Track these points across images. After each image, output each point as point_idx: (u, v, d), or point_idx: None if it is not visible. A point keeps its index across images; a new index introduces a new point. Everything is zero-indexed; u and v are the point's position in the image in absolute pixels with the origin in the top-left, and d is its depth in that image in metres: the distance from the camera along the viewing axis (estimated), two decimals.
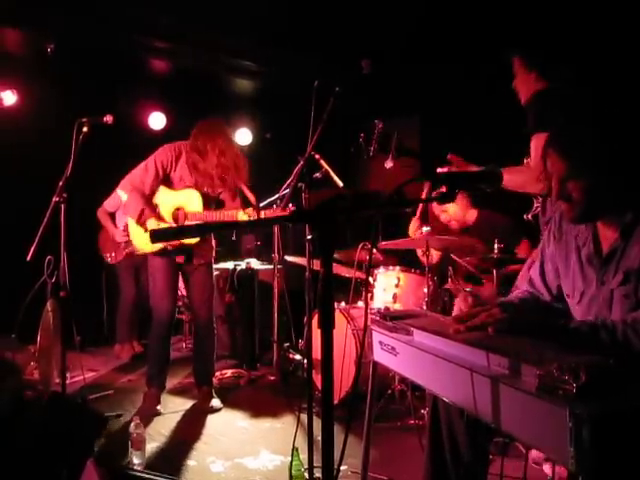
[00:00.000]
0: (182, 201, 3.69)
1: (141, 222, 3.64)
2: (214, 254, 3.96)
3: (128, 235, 4.01)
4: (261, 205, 4.45)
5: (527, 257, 3.05)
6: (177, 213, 3.71)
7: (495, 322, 1.56)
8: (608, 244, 1.66)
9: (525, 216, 2.84)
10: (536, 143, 2.41)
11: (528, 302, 1.96)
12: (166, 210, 3.71)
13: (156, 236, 1.12)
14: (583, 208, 1.63)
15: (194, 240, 3.65)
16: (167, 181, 3.73)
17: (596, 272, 1.69)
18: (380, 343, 1.95)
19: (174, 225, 3.68)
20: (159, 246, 3.65)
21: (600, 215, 1.68)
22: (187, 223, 3.66)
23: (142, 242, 3.76)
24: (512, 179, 2.41)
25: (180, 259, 3.77)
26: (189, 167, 3.67)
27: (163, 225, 3.60)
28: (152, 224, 3.60)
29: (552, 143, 1.64)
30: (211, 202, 3.76)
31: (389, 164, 2.57)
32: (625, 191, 1.59)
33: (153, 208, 3.67)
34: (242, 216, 3.54)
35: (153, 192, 3.69)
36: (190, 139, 3.70)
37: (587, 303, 1.72)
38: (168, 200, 3.71)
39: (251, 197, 3.73)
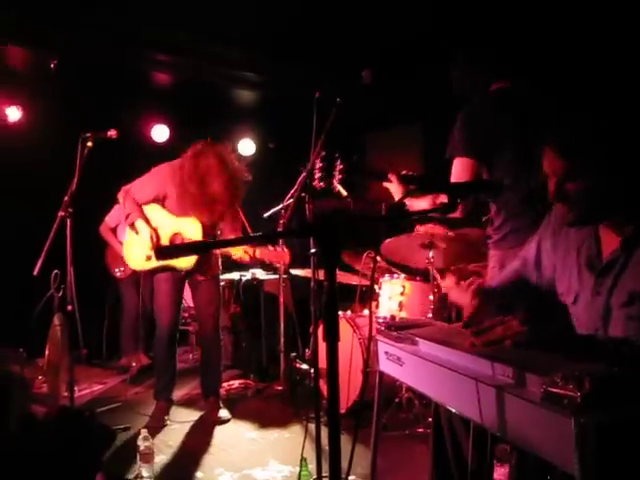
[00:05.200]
0: (181, 227, 3.70)
1: (129, 224, 3.70)
2: (220, 267, 3.97)
3: None
4: (265, 215, 4.48)
5: None
6: (174, 237, 3.72)
7: (513, 335, 1.51)
8: (609, 251, 1.61)
9: (483, 218, 2.83)
10: (460, 168, 2.43)
11: (517, 286, 1.93)
12: (164, 233, 3.72)
13: (160, 253, 1.13)
14: (582, 210, 1.57)
15: (187, 264, 3.66)
16: (166, 200, 3.73)
17: (593, 279, 1.64)
18: (386, 353, 1.96)
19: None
20: (147, 265, 3.69)
21: (602, 218, 1.62)
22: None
23: (131, 258, 3.83)
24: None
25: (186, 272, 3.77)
26: (182, 190, 3.63)
27: (147, 229, 3.63)
28: (140, 226, 3.65)
29: (550, 141, 1.57)
30: (210, 234, 3.75)
31: (337, 189, 2.60)
32: (629, 194, 1.54)
33: (142, 212, 3.69)
34: (238, 252, 3.57)
35: (147, 202, 3.72)
36: (183, 162, 3.63)
37: (583, 308, 1.68)
38: (167, 224, 3.72)
39: (248, 228, 3.75)
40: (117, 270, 5.36)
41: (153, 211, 3.74)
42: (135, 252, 3.79)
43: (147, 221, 3.68)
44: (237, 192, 3.67)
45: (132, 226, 3.70)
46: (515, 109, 2.47)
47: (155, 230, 3.68)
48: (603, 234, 1.65)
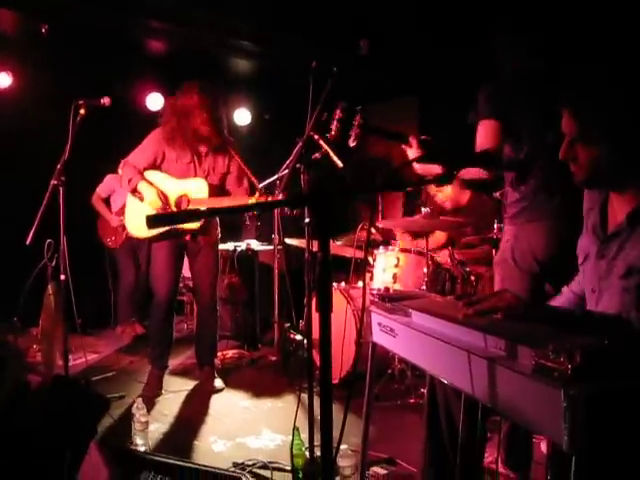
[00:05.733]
0: (187, 188, 3.66)
1: (132, 189, 3.64)
2: (219, 233, 3.94)
3: (123, 218, 4.00)
4: (261, 186, 4.45)
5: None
6: (180, 199, 3.67)
7: (506, 307, 1.51)
8: (615, 222, 1.63)
9: (495, 194, 2.83)
10: (487, 130, 2.42)
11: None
12: (169, 195, 3.67)
13: (152, 222, 1.11)
14: (587, 174, 1.60)
15: (193, 226, 3.62)
16: (164, 161, 3.69)
17: (598, 243, 1.67)
18: (379, 324, 1.96)
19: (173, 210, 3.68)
20: (153, 232, 3.64)
21: (607, 186, 1.66)
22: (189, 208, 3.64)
23: (136, 227, 3.78)
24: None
25: (186, 236, 3.74)
26: (180, 135, 3.61)
27: (152, 189, 3.59)
28: (143, 187, 3.60)
29: (569, 102, 1.60)
30: (215, 192, 3.72)
31: (352, 143, 2.55)
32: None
33: (143, 176, 3.65)
34: (250, 202, 3.47)
35: (147, 167, 3.68)
36: (168, 108, 3.68)
37: (589, 270, 1.71)
38: (171, 186, 3.68)
39: (255, 182, 3.71)
40: (108, 240, 5.35)
41: (154, 175, 3.69)
42: (140, 220, 3.72)
43: (150, 183, 3.63)
44: (220, 130, 3.65)
45: (135, 191, 3.64)
46: (542, 87, 2.45)
47: (161, 191, 3.65)
48: (612, 203, 1.67)
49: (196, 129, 3.58)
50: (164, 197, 3.63)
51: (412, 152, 2.54)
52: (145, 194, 3.61)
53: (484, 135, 2.42)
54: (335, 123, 2.52)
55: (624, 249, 1.57)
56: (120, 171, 3.74)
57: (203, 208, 3.56)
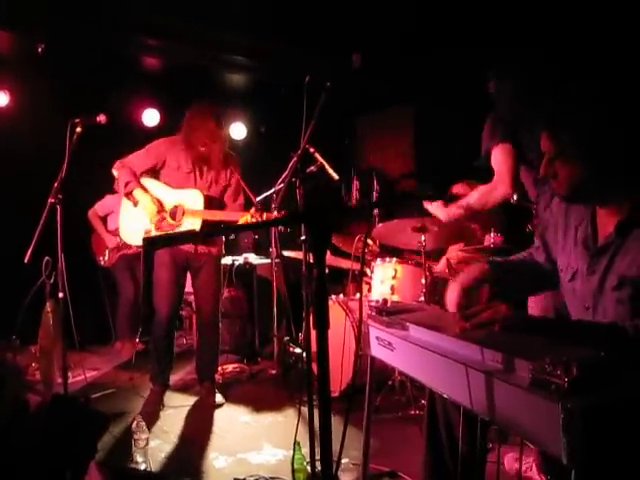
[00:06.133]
0: (183, 199, 3.66)
1: (127, 192, 3.64)
2: (223, 249, 3.94)
3: (119, 238, 4.00)
4: (257, 200, 4.46)
5: None
6: (175, 209, 3.67)
7: (502, 319, 1.52)
8: (604, 234, 1.65)
9: (528, 227, 2.90)
10: (502, 154, 2.47)
11: (522, 265, 1.99)
12: (165, 204, 3.68)
13: (149, 244, 1.12)
14: (568, 190, 1.64)
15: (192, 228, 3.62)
16: (164, 169, 3.71)
17: (588, 259, 1.68)
18: (377, 338, 1.96)
19: (170, 221, 3.68)
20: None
21: (589, 201, 1.69)
22: (184, 220, 3.65)
23: (129, 235, 3.78)
24: (479, 201, 2.55)
25: (189, 248, 3.73)
26: (185, 146, 3.65)
27: (146, 196, 3.60)
28: (138, 194, 3.61)
29: (546, 124, 1.65)
30: (214, 204, 3.74)
31: (374, 212, 2.64)
32: (623, 181, 1.57)
33: (140, 182, 3.66)
34: (245, 218, 3.49)
35: (145, 171, 3.70)
36: (184, 121, 3.71)
37: (579, 286, 1.72)
38: (167, 196, 3.69)
39: (252, 197, 3.73)
40: (101, 258, 5.35)
41: (150, 183, 3.70)
42: (133, 227, 3.73)
43: (145, 190, 3.64)
44: (223, 146, 3.72)
45: (130, 195, 3.63)
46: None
47: (155, 197, 3.65)
48: (600, 216, 1.69)
49: (202, 146, 3.63)
50: (159, 202, 3.64)
51: (433, 207, 2.65)
52: (140, 200, 3.62)
53: (500, 160, 2.50)
54: (355, 194, 2.61)
55: (615, 261, 1.60)
56: (115, 172, 3.73)
57: (198, 221, 3.62)
